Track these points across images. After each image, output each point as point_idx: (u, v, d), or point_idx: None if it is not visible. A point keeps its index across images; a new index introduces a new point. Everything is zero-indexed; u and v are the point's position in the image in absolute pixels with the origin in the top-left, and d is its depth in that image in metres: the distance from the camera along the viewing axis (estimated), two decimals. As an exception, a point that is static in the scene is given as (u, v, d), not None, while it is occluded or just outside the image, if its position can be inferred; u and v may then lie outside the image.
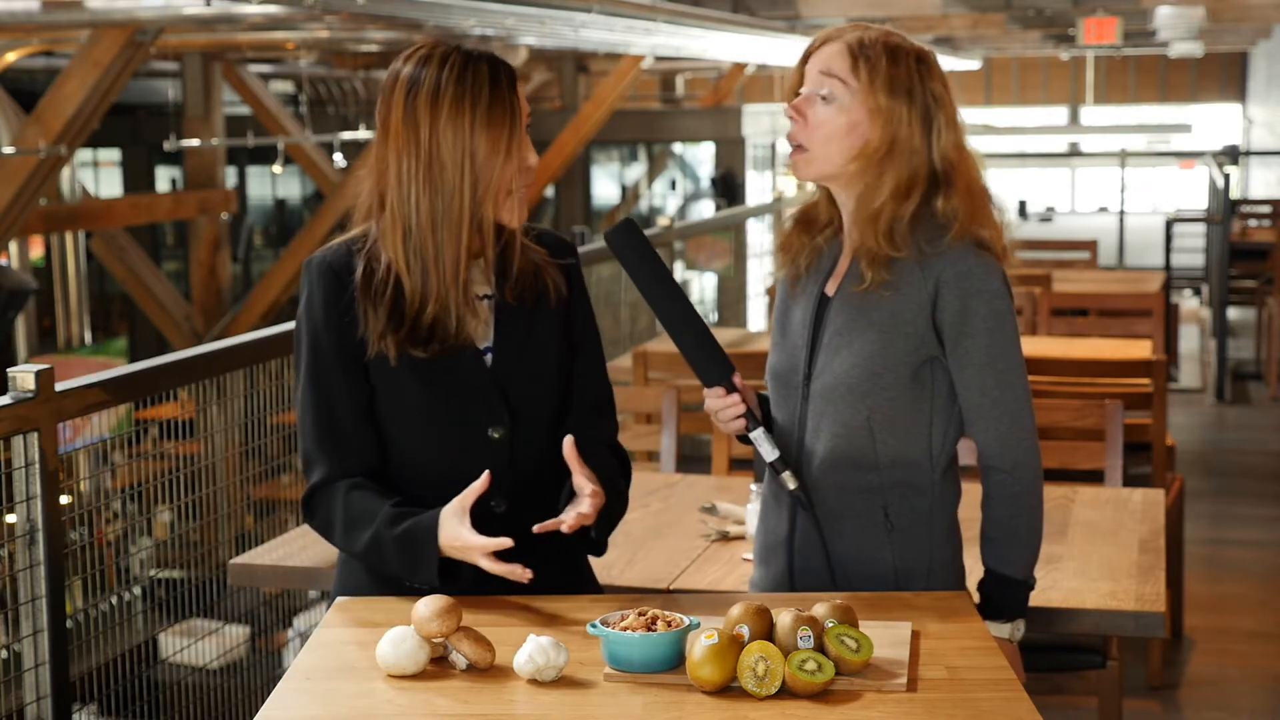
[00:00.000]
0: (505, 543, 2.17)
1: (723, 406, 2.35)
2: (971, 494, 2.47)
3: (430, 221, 2.24)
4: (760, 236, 10.41)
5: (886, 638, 2.06)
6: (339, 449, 2.30)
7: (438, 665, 2.05)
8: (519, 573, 2.17)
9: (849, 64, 2.30)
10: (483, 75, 2.23)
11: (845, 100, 2.30)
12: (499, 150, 2.23)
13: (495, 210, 2.26)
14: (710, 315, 9.97)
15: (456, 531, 2.19)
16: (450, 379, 2.28)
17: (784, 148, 2.43)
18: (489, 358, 2.31)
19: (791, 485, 2.36)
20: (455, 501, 2.21)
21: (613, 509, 2.31)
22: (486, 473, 2.22)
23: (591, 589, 2.46)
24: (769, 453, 2.35)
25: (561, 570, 2.39)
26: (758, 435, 2.35)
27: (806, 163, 2.35)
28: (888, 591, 2.34)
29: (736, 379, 2.35)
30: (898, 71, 2.29)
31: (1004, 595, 2.36)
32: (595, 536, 2.32)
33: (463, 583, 2.25)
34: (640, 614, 2.03)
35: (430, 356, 2.26)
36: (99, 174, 19.38)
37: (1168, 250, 10.35)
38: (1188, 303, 13.77)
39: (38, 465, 3.03)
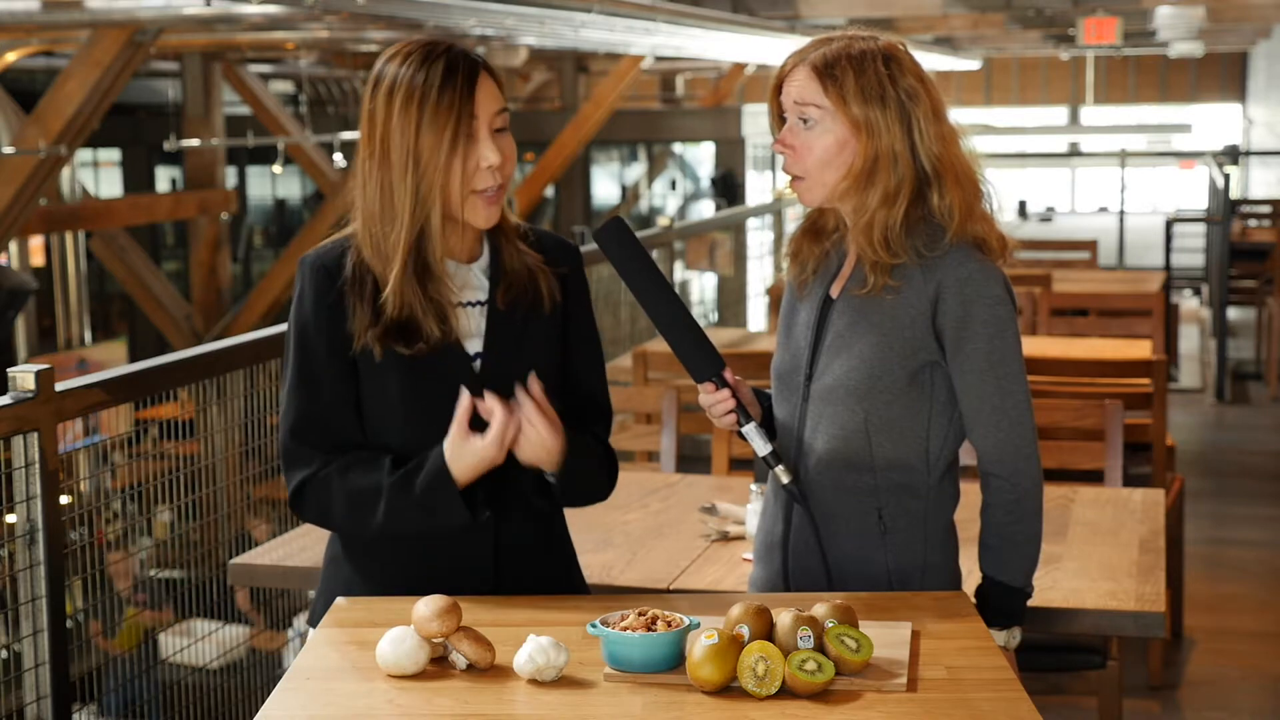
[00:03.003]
0: (500, 418, 2.17)
1: (713, 402, 2.35)
2: (970, 495, 2.47)
3: (380, 219, 2.24)
4: (760, 236, 10.40)
5: (886, 638, 2.06)
6: (325, 443, 2.28)
7: (438, 665, 2.05)
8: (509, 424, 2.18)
9: (818, 87, 2.31)
10: (436, 73, 2.20)
11: (826, 122, 2.31)
12: (440, 149, 2.20)
13: (448, 210, 2.24)
14: (710, 315, 9.97)
15: (473, 455, 2.19)
16: (436, 382, 2.26)
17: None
18: (478, 363, 2.30)
19: (784, 480, 2.36)
20: (453, 435, 2.19)
21: (577, 455, 2.26)
22: (465, 392, 2.20)
23: (579, 589, 2.46)
24: (761, 447, 2.36)
25: (551, 570, 2.39)
26: (749, 430, 2.36)
27: (808, 189, 2.37)
28: (884, 592, 2.34)
29: (727, 374, 2.35)
30: (866, 80, 2.29)
31: (1000, 602, 2.36)
32: (554, 478, 2.26)
33: (483, 515, 2.25)
34: (640, 614, 2.03)
35: (415, 355, 2.25)
36: (99, 174, 19.39)
37: (1168, 250, 10.35)
38: (1188, 303, 13.77)
39: (38, 465, 3.03)
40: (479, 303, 2.31)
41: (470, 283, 2.32)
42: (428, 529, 2.26)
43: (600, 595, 2.46)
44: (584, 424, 2.37)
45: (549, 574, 2.38)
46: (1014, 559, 2.36)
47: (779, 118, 2.39)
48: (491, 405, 2.19)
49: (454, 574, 2.29)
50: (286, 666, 2.63)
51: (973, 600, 2.33)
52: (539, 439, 2.20)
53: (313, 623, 2.40)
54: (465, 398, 2.21)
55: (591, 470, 2.34)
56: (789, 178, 2.39)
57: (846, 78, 2.29)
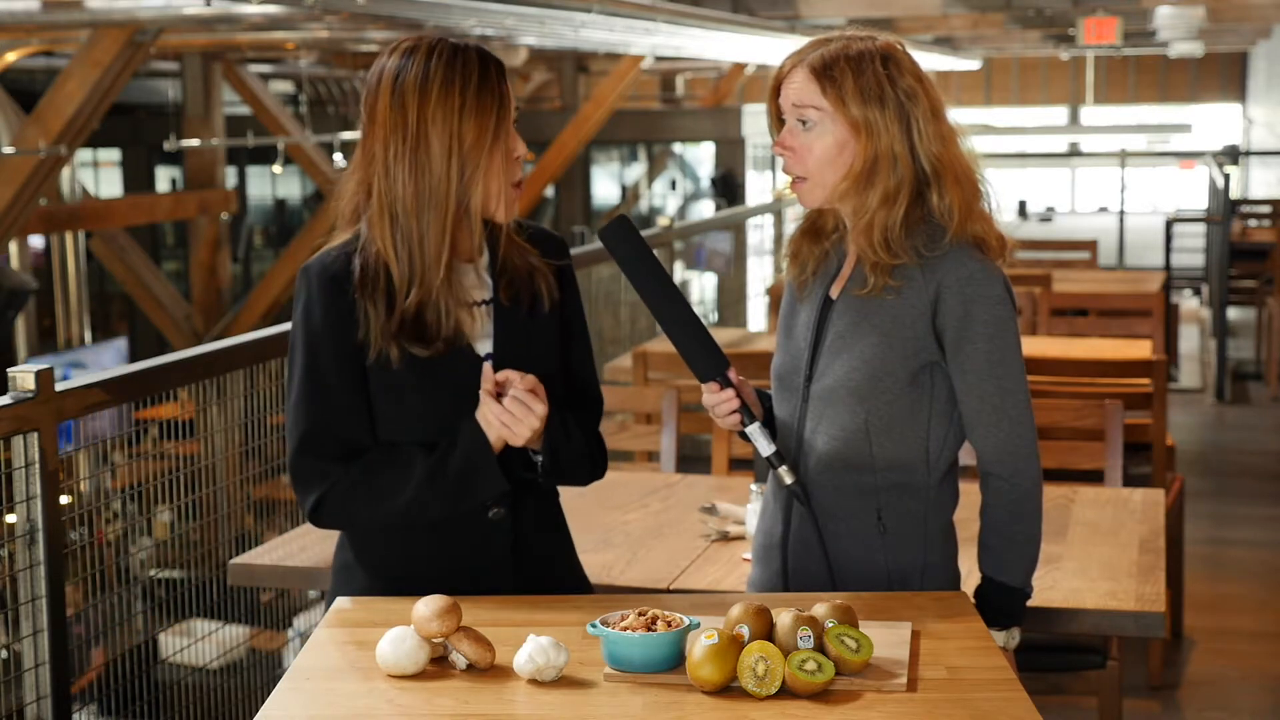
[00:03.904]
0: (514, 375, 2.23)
1: (717, 402, 2.35)
2: (970, 495, 2.47)
3: (415, 205, 2.22)
4: (761, 235, 10.40)
5: (886, 638, 2.06)
6: (338, 454, 2.26)
7: (438, 665, 2.05)
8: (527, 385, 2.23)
9: (817, 88, 2.31)
10: (471, 62, 2.23)
11: (825, 124, 2.31)
12: (486, 136, 2.22)
13: (484, 200, 2.25)
14: (710, 315, 9.97)
15: (489, 413, 2.22)
16: (450, 384, 2.26)
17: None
18: (489, 364, 2.30)
19: (788, 480, 2.36)
20: (482, 408, 2.23)
21: (556, 436, 2.29)
22: (489, 366, 2.24)
23: (583, 590, 2.46)
24: (765, 447, 2.36)
25: (554, 570, 2.39)
26: (753, 430, 2.36)
27: (809, 191, 2.37)
28: (884, 592, 2.34)
29: (732, 374, 2.35)
30: (864, 80, 2.29)
31: (1000, 602, 2.36)
32: (541, 459, 2.28)
33: (508, 496, 2.28)
34: (640, 614, 2.03)
35: (432, 355, 2.25)
36: (99, 174, 19.38)
37: (1168, 250, 10.35)
38: (1188, 303, 13.77)
39: (38, 465, 3.03)
40: (485, 302, 2.32)
41: (474, 282, 2.32)
42: (459, 507, 2.25)
43: (600, 595, 2.46)
44: (580, 414, 2.39)
45: (562, 577, 2.39)
46: (1014, 559, 2.36)
47: (777, 119, 2.39)
48: (511, 375, 2.23)
49: (471, 581, 2.29)
50: (286, 666, 2.63)
51: (972, 600, 2.33)
52: (528, 412, 2.22)
53: None
54: (489, 369, 2.23)
55: (576, 448, 2.33)
56: (789, 179, 2.39)
57: (845, 79, 2.29)
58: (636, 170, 19.32)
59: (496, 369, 2.29)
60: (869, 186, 2.31)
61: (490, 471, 2.23)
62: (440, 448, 2.24)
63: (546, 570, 2.36)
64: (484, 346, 2.30)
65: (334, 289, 2.26)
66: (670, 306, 2.33)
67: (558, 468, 2.30)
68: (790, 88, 2.34)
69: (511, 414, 2.21)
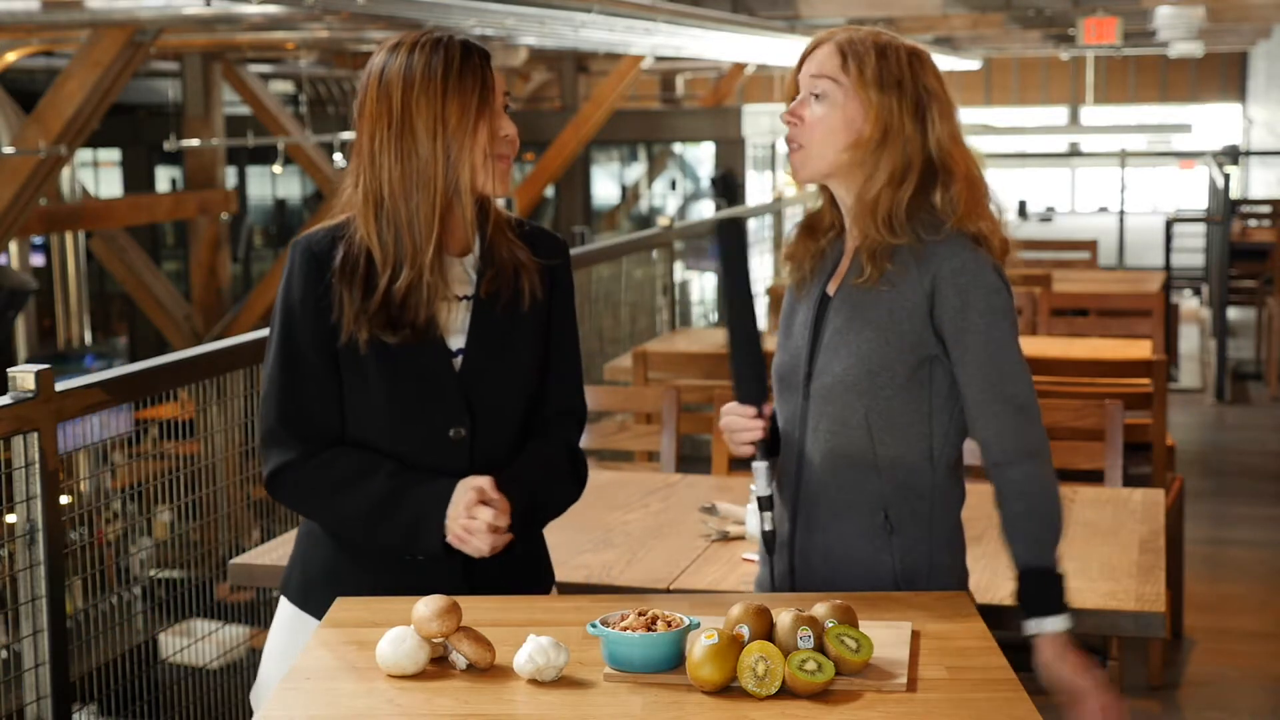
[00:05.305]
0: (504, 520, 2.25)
1: (744, 427, 2.37)
2: (975, 495, 2.47)
3: (404, 189, 2.25)
4: (760, 235, 10.41)
5: (886, 638, 2.06)
6: (306, 430, 2.30)
7: (438, 665, 2.05)
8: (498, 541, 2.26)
9: (839, 62, 2.33)
10: (454, 49, 2.27)
11: (838, 97, 2.32)
12: (469, 116, 2.25)
13: (474, 178, 2.27)
14: (710, 315, 9.97)
15: (460, 516, 2.24)
16: (416, 375, 2.28)
17: (784, 148, 2.45)
18: (459, 360, 2.31)
19: (767, 526, 2.40)
20: (479, 485, 2.24)
21: (524, 505, 2.31)
22: (494, 493, 2.25)
23: (546, 579, 2.48)
24: (763, 488, 2.39)
25: (523, 563, 2.40)
26: (760, 467, 2.39)
27: (803, 162, 2.37)
28: (885, 592, 2.34)
29: (768, 408, 2.39)
30: (887, 65, 2.31)
31: (1042, 588, 2.27)
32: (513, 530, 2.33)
33: (454, 560, 2.29)
34: (640, 614, 2.03)
35: (401, 342, 2.26)
36: (99, 174, 19.40)
37: (1168, 250, 10.35)
38: (1188, 303, 13.77)
39: (38, 465, 3.03)
40: (465, 297, 2.33)
41: (460, 277, 2.33)
42: (393, 540, 2.29)
43: (600, 595, 2.46)
44: (557, 426, 2.41)
45: (520, 567, 2.39)
46: (1036, 542, 2.29)
47: (793, 97, 2.40)
48: (496, 514, 2.25)
49: (418, 572, 2.31)
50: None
51: (974, 600, 2.33)
52: (482, 542, 2.25)
53: (284, 591, 2.42)
54: (491, 486, 2.26)
55: (550, 505, 2.41)
56: (789, 149, 2.39)
57: (868, 57, 2.32)
58: (636, 170, 19.33)
59: (468, 364, 2.31)
60: (876, 163, 2.32)
61: (436, 531, 2.26)
62: (410, 477, 2.27)
63: (498, 566, 2.34)
64: (456, 341, 2.31)
65: (314, 268, 2.30)
66: (744, 320, 2.39)
67: (538, 526, 2.40)
68: (815, 58, 2.36)
69: (468, 536, 2.24)
